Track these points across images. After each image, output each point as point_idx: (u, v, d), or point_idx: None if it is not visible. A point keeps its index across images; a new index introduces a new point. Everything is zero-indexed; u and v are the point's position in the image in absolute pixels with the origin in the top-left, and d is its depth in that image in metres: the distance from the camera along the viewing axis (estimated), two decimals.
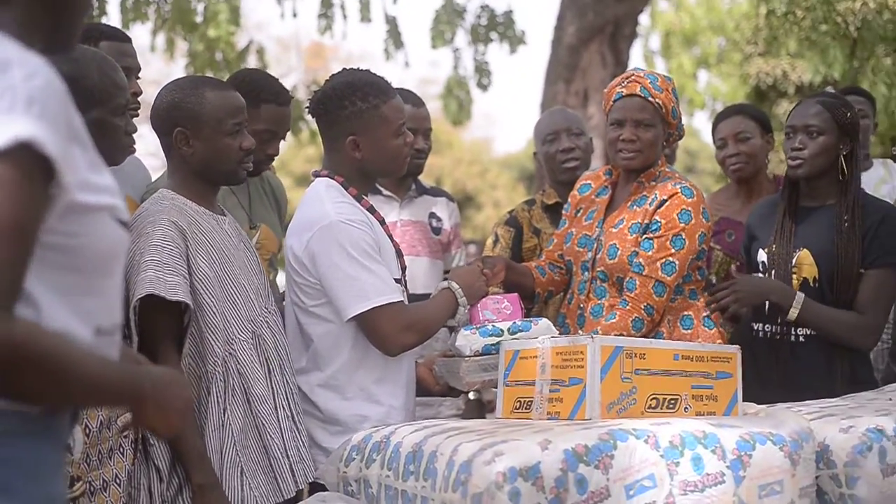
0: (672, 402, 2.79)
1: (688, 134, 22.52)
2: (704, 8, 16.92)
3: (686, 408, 2.81)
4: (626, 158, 3.65)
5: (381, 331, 3.11)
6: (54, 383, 1.47)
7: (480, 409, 6.33)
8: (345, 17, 10.03)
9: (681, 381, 2.81)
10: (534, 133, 4.63)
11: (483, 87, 10.28)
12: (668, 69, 17.32)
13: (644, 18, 16.98)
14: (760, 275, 3.85)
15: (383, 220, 3.28)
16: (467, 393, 3.62)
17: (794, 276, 3.73)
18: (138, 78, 3.59)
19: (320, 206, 3.14)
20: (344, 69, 3.30)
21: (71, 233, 1.53)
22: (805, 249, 3.73)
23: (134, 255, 2.86)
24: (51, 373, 1.46)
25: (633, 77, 3.66)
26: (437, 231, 4.54)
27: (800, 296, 3.64)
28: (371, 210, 3.23)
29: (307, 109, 3.26)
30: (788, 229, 3.78)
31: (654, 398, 2.76)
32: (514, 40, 10.05)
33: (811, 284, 3.70)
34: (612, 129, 3.67)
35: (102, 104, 2.74)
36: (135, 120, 3.25)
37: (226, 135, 3.02)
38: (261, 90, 3.64)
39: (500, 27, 10.07)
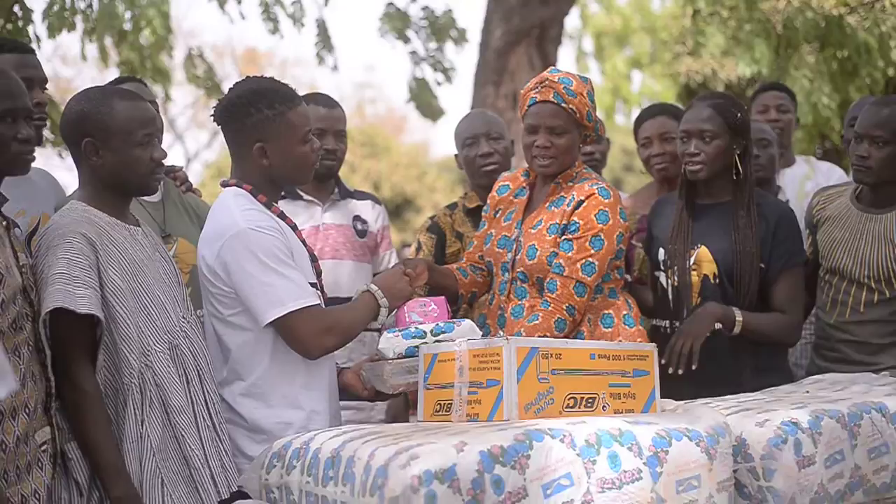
0: (590, 401, 2.81)
1: (625, 133, 22.73)
2: (634, 9, 17.07)
3: (604, 406, 2.83)
4: (542, 165, 3.68)
5: (299, 335, 3.09)
6: None
7: (406, 404, 6.23)
8: (278, 20, 9.92)
9: (598, 379, 2.83)
10: (454, 136, 4.62)
11: (448, 80, 10.16)
12: (602, 70, 17.47)
13: (574, 21, 17.12)
14: (662, 274, 3.90)
15: (295, 225, 3.27)
16: (397, 395, 3.60)
17: (694, 272, 3.79)
18: (45, 89, 3.60)
19: (229, 215, 3.12)
20: (248, 77, 3.29)
21: None
22: (703, 246, 3.80)
23: (43, 270, 2.84)
24: None
25: (547, 82, 3.65)
26: (361, 234, 4.52)
27: (738, 312, 3.68)
28: (282, 216, 3.22)
29: (212, 118, 3.24)
30: (686, 227, 3.85)
31: (571, 398, 2.78)
32: (459, 38, 10.01)
33: (712, 281, 3.77)
34: (527, 135, 3.68)
35: None
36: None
37: (136, 145, 3.00)
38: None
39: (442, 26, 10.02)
